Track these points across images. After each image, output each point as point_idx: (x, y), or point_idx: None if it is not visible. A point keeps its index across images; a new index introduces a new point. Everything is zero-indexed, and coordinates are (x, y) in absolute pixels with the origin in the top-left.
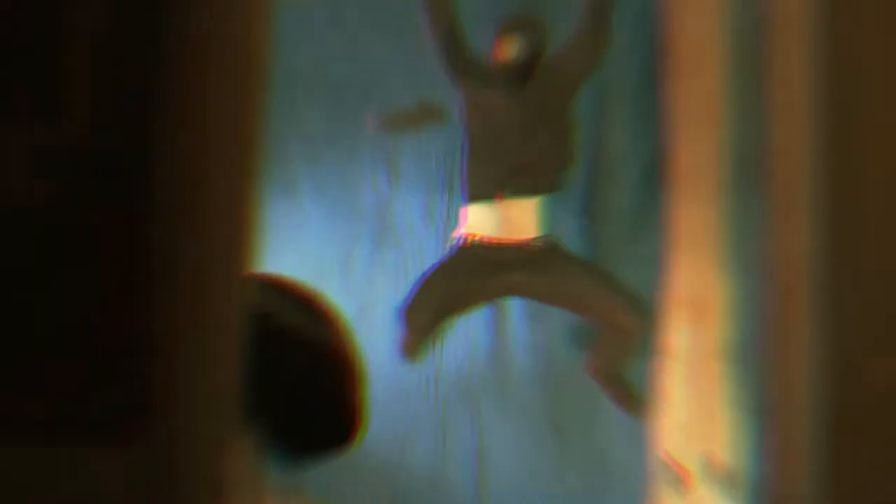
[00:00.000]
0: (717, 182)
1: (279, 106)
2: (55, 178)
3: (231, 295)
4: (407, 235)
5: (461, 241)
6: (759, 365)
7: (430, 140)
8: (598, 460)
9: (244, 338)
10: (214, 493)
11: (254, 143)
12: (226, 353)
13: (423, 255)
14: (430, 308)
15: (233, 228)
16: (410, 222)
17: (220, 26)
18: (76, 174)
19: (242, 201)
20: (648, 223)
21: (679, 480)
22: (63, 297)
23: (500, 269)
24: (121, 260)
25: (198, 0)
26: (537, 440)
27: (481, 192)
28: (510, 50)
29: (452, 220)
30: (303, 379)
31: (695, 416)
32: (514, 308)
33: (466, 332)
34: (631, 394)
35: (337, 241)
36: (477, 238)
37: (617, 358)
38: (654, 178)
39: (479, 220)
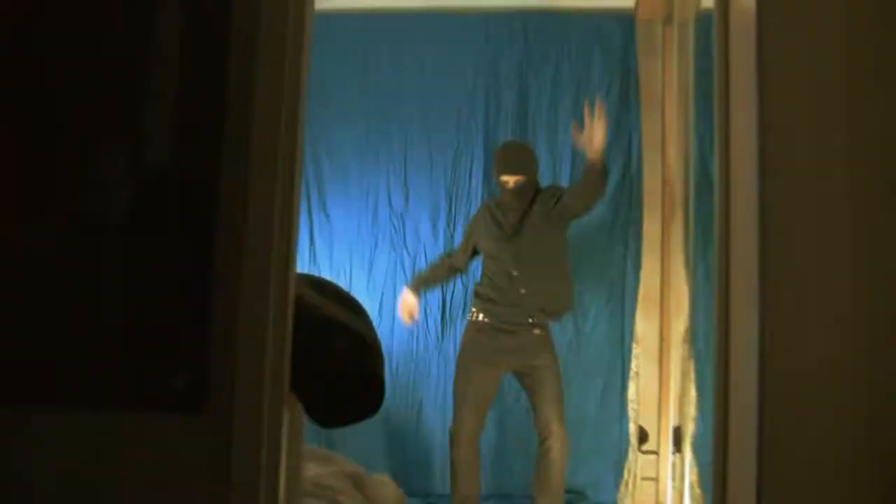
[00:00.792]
0: (679, 199)
1: (315, 140)
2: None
3: (282, 293)
4: (416, 242)
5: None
6: (710, 348)
7: (435, 166)
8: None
9: (293, 325)
10: (271, 453)
11: (295, 174)
12: (278, 340)
13: (428, 259)
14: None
15: (282, 240)
16: (419, 231)
17: (267, 70)
18: (161, 196)
19: (289, 218)
20: (621, 232)
21: (643, 438)
22: (155, 301)
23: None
24: (198, 270)
25: (253, 48)
26: None
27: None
28: (511, 182)
29: (453, 230)
30: (343, 355)
31: (659, 390)
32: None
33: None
34: None
35: (361, 248)
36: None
37: None
38: (625, 194)
39: None
